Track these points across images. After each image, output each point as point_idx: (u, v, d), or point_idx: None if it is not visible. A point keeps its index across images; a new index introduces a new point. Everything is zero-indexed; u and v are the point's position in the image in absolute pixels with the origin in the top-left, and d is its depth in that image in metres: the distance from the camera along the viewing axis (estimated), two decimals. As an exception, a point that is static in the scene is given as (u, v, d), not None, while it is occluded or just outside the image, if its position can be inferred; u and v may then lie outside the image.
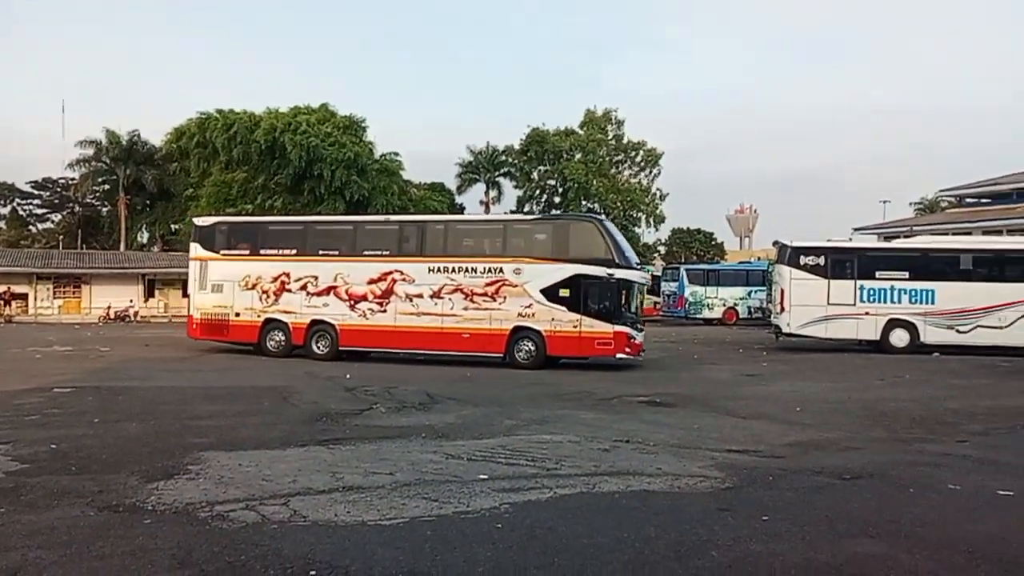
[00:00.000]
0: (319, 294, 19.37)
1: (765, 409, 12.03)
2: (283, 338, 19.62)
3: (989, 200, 48.15)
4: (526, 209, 52.33)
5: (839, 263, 22.93)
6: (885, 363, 19.38)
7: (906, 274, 22.89)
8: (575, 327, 17.66)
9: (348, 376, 15.28)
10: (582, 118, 56.42)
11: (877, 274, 22.25)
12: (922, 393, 13.93)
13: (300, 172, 44.32)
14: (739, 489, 6.73)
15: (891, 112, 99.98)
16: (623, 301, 17.92)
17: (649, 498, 6.40)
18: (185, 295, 28.73)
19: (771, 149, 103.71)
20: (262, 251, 20.17)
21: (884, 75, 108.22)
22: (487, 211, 58.10)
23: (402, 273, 18.77)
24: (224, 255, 20.44)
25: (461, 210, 61.34)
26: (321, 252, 19.88)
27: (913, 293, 22.76)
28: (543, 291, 17.84)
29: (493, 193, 57.92)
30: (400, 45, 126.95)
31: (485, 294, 18.19)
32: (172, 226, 53.23)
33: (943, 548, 5.10)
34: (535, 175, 56.14)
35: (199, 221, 22.17)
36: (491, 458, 7.93)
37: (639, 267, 18.63)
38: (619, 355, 17.74)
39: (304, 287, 19.50)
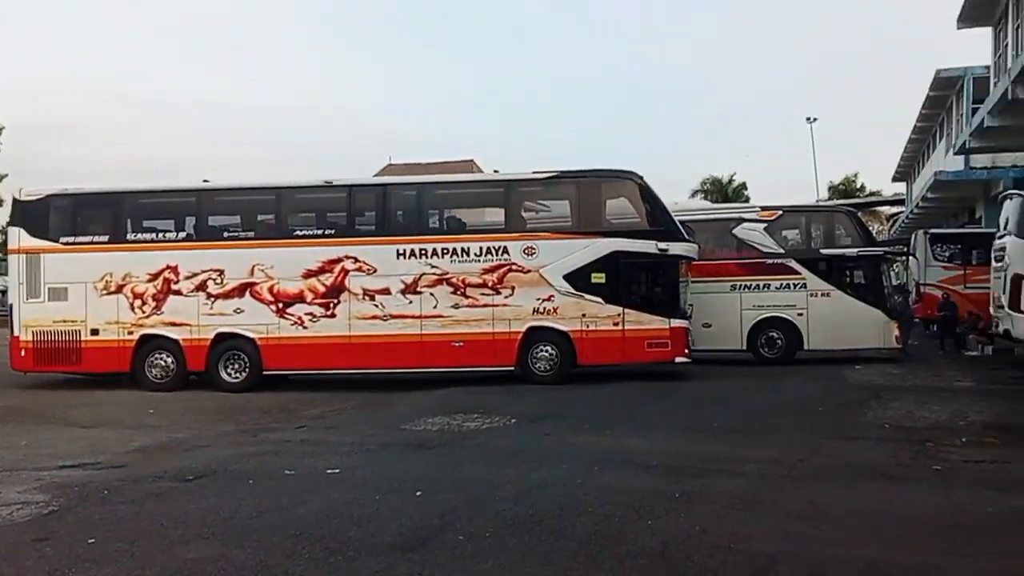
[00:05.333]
0: (227, 296, 13.75)
1: (114, 415, 11.27)
2: (172, 362, 13.74)
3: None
4: None
5: None
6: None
7: None
8: (616, 324, 13.53)
9: None
10: None
11: None
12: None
13: None
14: (66, 511, 5.98)
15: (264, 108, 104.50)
16: (681, 286, 14.11)
17: (-62, 545, 5.16)
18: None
19: (128, 137, 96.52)
20: (131, 236, 14.12)
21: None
22: None
23: (357, 260, 13.63)
24: (67, 245, 13.93)
25: None
26: (228, 234, 14.32)
27: None
28: (567, 277, 13.54)
29: None
30: None
31: (483, 285, 13.56)
32: None
33: (275, 535, 5.31)
34: None
35: (23, 195, 14.35)
36: None
37: (691, 238, 14.47)
38: (678, 359, 13.83)
39: (202, 287, 13.76)
